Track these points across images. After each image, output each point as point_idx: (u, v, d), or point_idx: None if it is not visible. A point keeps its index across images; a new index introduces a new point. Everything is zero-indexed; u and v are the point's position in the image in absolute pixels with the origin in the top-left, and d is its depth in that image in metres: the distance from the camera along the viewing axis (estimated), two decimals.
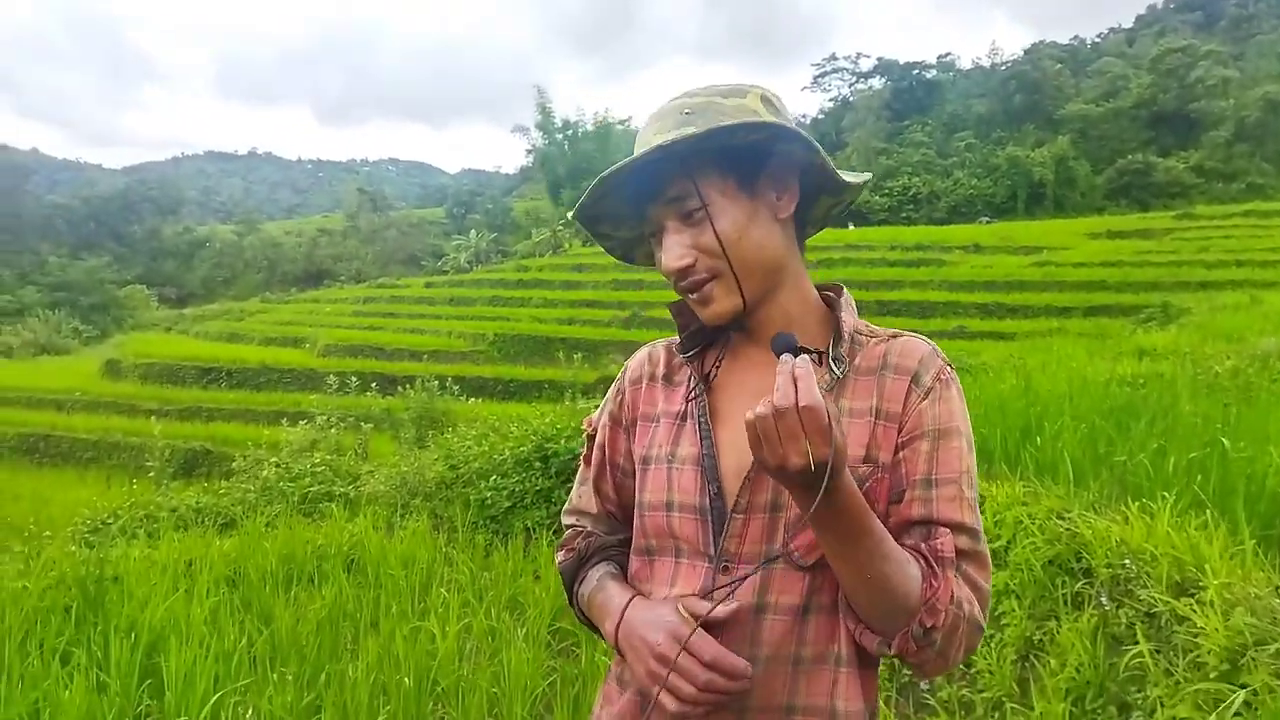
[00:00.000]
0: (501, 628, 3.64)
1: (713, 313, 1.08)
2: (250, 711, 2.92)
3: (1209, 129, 48.69)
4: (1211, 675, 1.93)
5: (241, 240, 75.03)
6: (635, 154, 1.02)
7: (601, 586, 1.16)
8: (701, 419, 1.12)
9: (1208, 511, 2.75)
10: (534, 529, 5.07)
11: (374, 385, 19.35)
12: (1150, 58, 57.89)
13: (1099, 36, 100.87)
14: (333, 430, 11.42)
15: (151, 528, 5.77)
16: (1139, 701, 2.25)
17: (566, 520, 1.31)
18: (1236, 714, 1.77)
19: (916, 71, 78.47)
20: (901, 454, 1.05)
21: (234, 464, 9.23)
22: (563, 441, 5.50)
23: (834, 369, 1.08)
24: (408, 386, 16.76)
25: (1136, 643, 2.32)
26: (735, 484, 1.07)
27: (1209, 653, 1.99)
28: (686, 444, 1.12)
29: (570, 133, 61.81)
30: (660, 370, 1.22)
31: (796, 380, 0.85)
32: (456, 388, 17.47)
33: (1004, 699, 2.72)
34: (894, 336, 1.12)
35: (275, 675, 3.11)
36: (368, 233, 72.37)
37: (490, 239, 57.84)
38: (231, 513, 6.06)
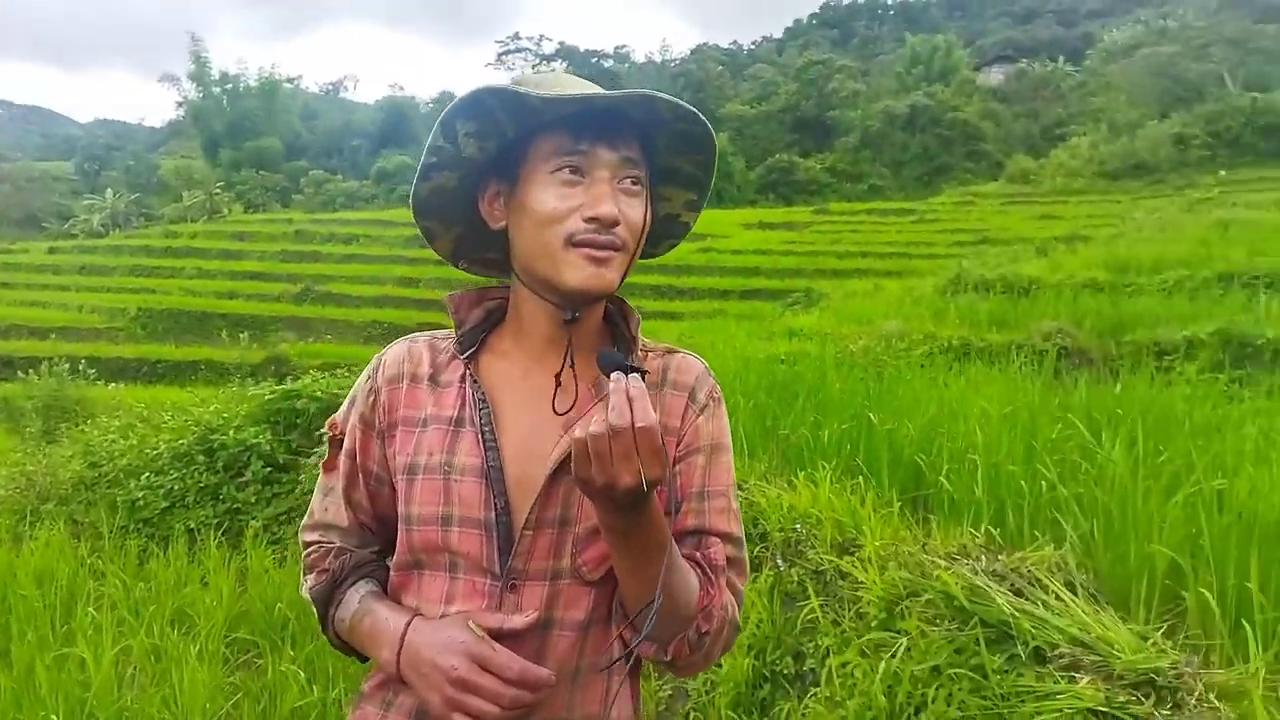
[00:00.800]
0: (168, 645, 3.23)
1: (606, 280, 1.00)
2: None
3: (841, 135, 55.15)
4: (873, 625, 2.19)
5: None
6: (591, 92, 0.99)
7: (367, 609, 1.06)
8: (485, 428, 1.04)
9: (860, 478, 3.13)
10: (199, 530, 4.58)
11: None
12: (796, 67, 64.42)
13: (754, 44, 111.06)
14: None
15: None
16: (812, 650, 2.50)
17: (309, 537, 1.17)
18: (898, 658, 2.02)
19: (595, 60, 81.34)
20: (679, 467, 1.09)
21: None
22: (231, 432, 5.01)
23: None
24: (30, 370, 14.38)
25: (808, 598, 2.58)
26: (520, 497, 1.02)
27: (869, 604, 2.26)
28: (466, 453, 1.04)
29: (230, 87, 56.76)
30: (424, 369, 1.11)
31: (631, 400, 0.83)
32: (92, 371, 15.28)
33: None
34: (669, 352, 1.16)
35: None
36: None
37: (131, 200, 51.24)
38: None
